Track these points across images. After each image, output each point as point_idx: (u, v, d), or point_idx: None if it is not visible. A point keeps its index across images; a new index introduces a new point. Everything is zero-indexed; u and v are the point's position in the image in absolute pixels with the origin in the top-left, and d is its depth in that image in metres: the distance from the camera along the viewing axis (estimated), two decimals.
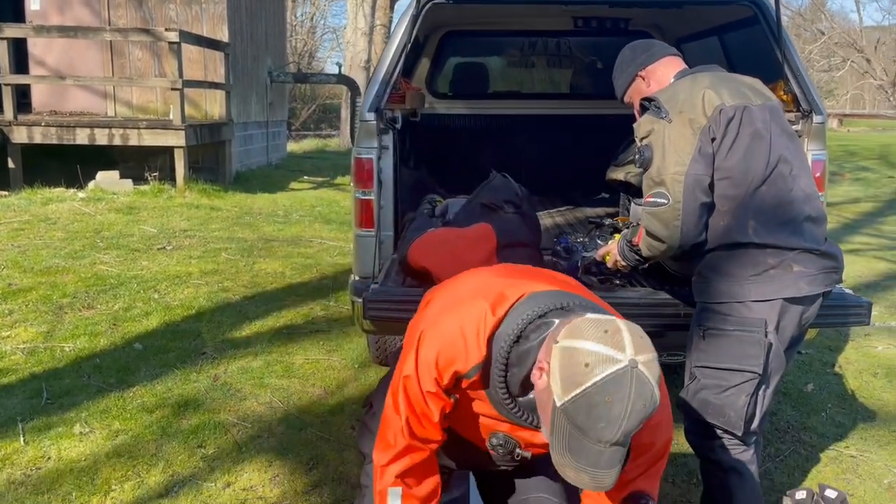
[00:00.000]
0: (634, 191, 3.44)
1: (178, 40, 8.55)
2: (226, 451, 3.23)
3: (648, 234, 2.23)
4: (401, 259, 2.47)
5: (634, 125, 2.34)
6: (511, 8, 3.99)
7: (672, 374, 4.06)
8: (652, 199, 2.18)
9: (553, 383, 1.40)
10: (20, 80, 9.30)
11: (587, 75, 5.15)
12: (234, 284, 5.62)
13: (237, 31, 10.99)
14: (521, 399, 1.59)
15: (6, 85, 8.60)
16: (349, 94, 20.41)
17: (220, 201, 8.86)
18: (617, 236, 2.58)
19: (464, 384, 1.58)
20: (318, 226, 8.07)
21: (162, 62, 10.36)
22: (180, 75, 8.67)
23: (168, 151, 9.19)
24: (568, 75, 5.11)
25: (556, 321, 1.52)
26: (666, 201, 2.12)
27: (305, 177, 11.82)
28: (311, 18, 31.76)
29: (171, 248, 6.55)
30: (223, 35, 10.37)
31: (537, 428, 1.59)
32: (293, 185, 11.17)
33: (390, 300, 2.53)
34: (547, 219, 4.28)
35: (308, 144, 19.63)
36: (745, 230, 2.11)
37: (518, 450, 1.71)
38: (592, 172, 4.82)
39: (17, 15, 10.57)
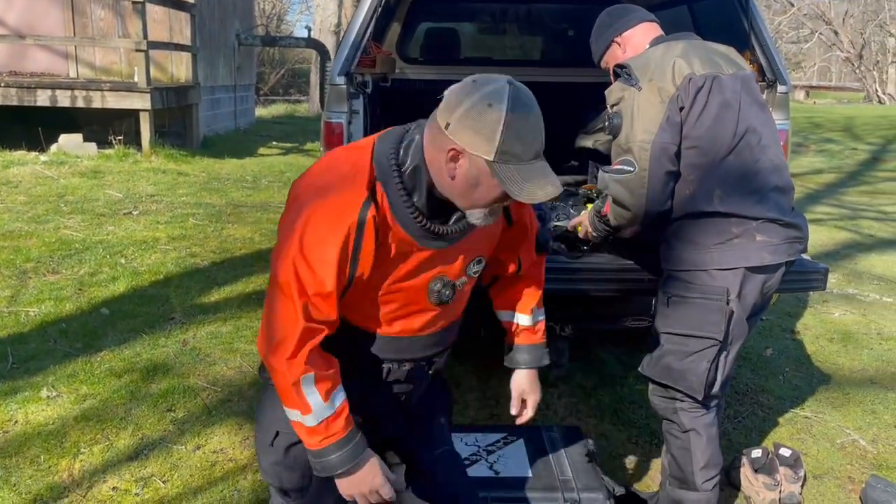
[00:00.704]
0: (603, 158, 3.48)
1: (142, 0, 8.32)
2: (195, 414, 3.24)
3: (615, 201, 2.26)
4: None
5: (606, 91, 2.36)
6: None
7: (637, 339, 4.16)
8: (619, 167, 2.20)
9: (477, 147, 1.44)
10: None
11: (558, 42, 5.15)
12: (202, 250, 5.58)
13: None
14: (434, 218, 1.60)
15: None
16: (318, 58, 20.23)
17: (188, 166, 8.74)
18: (589, 206, 2.61)
19: (366, 236, 1.53)
20: (286, 191, 7.99)
21: (126, 22, 10.08)
22: (145, 36, 8.46)
23: (133, 115, 9.01)
24: (539, 42, 5.10)
25: (417, 127, 1.61)
26: (632, 168, 2.14)
27: (274, 142, 11.68)
28: None
29: (137, 213, 6.46)
30: None
31: (460, 233, 1.62)
32: (261, 150, 11.03)
33: None
34: None
35: (277, 109, 19.34)
36: (710, 199, 2.15)
37: (457, 283, 1.71)
38: (562, 140, 4.88)
39: None
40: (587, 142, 3.51)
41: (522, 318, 2.01)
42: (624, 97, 2.23)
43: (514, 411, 2.05)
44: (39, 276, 4.79)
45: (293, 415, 1.59)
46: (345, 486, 1.63)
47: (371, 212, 1.52)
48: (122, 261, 5.20)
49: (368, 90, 3.09)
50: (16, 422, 3.13)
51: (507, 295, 2.01)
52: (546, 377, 3.74)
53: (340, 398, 1.60)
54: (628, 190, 2.18)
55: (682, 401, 2.27)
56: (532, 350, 2.03)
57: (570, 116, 4.74)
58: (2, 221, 5.80)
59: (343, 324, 1.63)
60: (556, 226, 2.65)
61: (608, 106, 2.33)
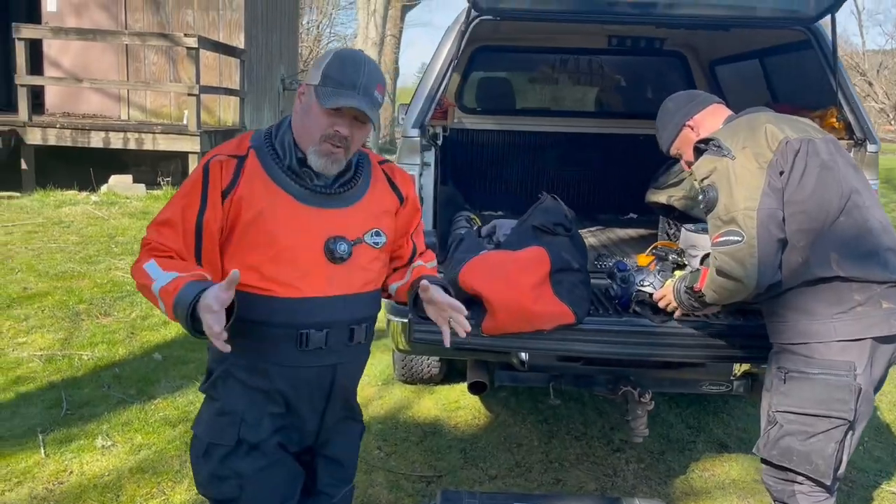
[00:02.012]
0: (677, 214, 3.38)
1: (196, 46, 8.51)
2: None
3: (722, 274, 2.12)
4: (450, 281, 2.40)
5: (693, 167, 2.28)
6: (550, 25, 3.95)
7: (704, 401, 4.00)
8: (723, 238, 2.09)
9: (312, 78, 1.73)
10: (37, 81, 9.26)
11: (616, 93, 5.11)
12: None
13: (252, 38, 10.96)
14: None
15: (21, 86, 8.55)
16: None
17: None
18: (677, 273, 2.49)
19: (212, 177, 1.70)
20: None
21: (177, 67, 10.31)
22: (197, 81, 8.62)
23: (180, 156, 9.13)
24: (597, 93, 5.06)
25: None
26: (740, 238, 2.04)
27: None
28: (318, 26, 31.82)
29: None
30: (239, 42, 10.34)
31: (341, 189, 1.79)
32: None
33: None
34: None
35: None
36: (827, 264, 2.03)
37: (354, 241, 1.79)
38: (621, 192, 4.81)
39: (32, 15, 10.54)
40: (660, 197, 3.41)
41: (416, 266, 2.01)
42: (716, 168, 2.15)
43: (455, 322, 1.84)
44: (92, 319, 4.78)
45: (146, 290, 1.69)
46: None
47: (223, 163, 1.72)
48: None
49: (440, 142, 3.05)
50: (71, 472, 3.06)
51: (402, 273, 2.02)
52: (612, 440, 3.60)
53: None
54: (737, 261, 2.06)
55: (802, 483, 2.11)
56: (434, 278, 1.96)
57: (628, 168, 4.70)
58: (55, 261, 5.84)
59: (252, 295, 1.69)
60: (639, 290, 2.53)
61: (697, 181, 2.24)
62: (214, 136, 9.18)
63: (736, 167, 2.10)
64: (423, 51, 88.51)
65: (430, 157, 3.06)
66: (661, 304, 2.44)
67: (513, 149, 4.79)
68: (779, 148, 2.10)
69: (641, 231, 4.27)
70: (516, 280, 2.34)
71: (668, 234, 3.52)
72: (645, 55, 4.67)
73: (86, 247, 6.38)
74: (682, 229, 2.77)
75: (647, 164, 4.69)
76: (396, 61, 22.30)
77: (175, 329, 4.70)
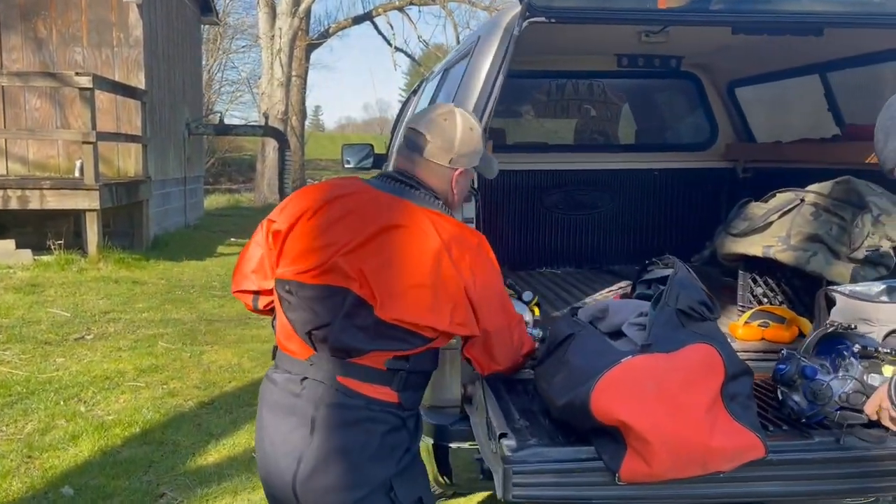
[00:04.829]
0: (781, 270, 2.66)
1: (90, 86, 7.32)
2: None
3: None
4: (575, 405, 1.55)
5: None
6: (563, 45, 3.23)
7: None
8: None
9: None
10: None
11: (627, 121, 4.44)
12: (182, 385, 4.46)
13: (154, 78, 9.78)
14: None
15: None
16: (264, 146, 19.34)
17: (143, 272, 7.56)
18: (886, 368, 1.70)
19: None
20: None
21: (65, 112, 9.02)
22: (93, 126, 7.41)
23: (73, 215, 7.83)
24: (606, 124, 4.35)
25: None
26: None
27: (232, 238, 10.57)
28: (209, 70, 30.31)
29: (91, 338, 5.27)
30: (139, 82, 9.15)
31: None
32: (221, 248, 9.91)
33: (551, 469, 1.58)
34: (605, 298, 3.41)
35: (217, 201, 18.17)
36: None
37: None
38: (638, 236, 4.08)
39: None
40: (744, 247, 2.68)
41: None
42: None
43: None
44: None
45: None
46: None
47: None
48: (82, 408, 4.03)
49: (477, 191, 2.21)
50: None
51: None
52: None
53: None
54: None
55: None
56: None
57: (641, 208, 4.01)
58: None
59: None
60: (842, 407, 1.68)
61: None
62: (116, 189, 7.94)
63: None
64: (323, 93, 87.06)
65: (471, 210, 2.22)
66: (883, 420, 1.65)
67: (538, 191, 3.98)
68: None
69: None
70: (683, 401, 1.51)
71: (752, 295, 2.78)
72: (660, 78, 4.00)
73: None
74: (839, 295, 2.01)
75: (666, 201, 4.06)
76: (303, 101, 21.30)
77: (87, 445, 3.58)
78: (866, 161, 2.78)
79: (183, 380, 4.54)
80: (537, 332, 2.06)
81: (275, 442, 1.70)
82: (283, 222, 1.72)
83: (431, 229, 1.65)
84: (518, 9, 2.16)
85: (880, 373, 1.71)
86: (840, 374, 1.71)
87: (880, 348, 1.72)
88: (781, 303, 2.73)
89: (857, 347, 1.74)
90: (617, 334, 1.90)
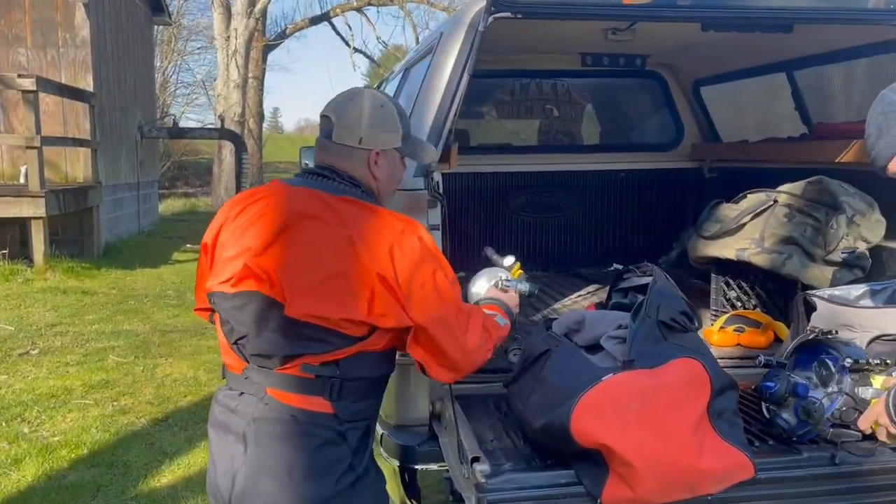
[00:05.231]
0: (754, 273, 2.59)
1: (34, 88, 7.00)
2: None
3: None
4: (553, 427, 1.44)
5: None
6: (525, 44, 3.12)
7: None
8: None
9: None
10: None
11: (591, 121, 4.36)
12: (134, 401, 4.24)
13: (103, 80, 9.44)
14: None
15: None
16: (221, 150, 18.93)
17: (93, 282, 7.26)
18: (875, 379, 1.61)
19: None
20: None
21: (9, 116, 8.66)
22: (38, 131, 7.09)
23: (19, 223, 7.49)
24: (570, 124, 4.26)
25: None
26: None
27: (188, 245, 10.27)
28: (163, 72, 29.66)
29: (37, 353, 5.01)
30: (87, 84, 8.82)
31: None
32: (176, 255, 9.62)
33: (528, 496, 1.47)
34: (575, 304, 3.33)
35: (174, 205, 17.74)
36: None
37: None
38: (604, 238, 4.00)
39: None
40: (717, 250, 2.60)
41: None
42: None
43: None
44: None
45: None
46: None
47: None
48: (25, 429, 3.80)
49: (441, 194, 2.09)
50: None
51: None
52: None
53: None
54: None
55: None
56: None
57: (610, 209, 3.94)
58: None
59: None
60: (832, 424, 1.60)
61: None
62: (63, 195, 7.62)
63: None
64: (281, 95, 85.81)
65: (437, 216, 2.10)
66: (879, 435, 1.56)
67: (503, 193, 3.88)
68: None
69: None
70: (669, 421, 1.41)
71: (725, 299, 2.72)
72: (625, 77, 3.94)
73: None
74: (820, 301, 1.94)
75: (632, 202, 3.99)
76: (261, 103, 20.92)
77: (31, 469, 3.37)
78: (836, 161, 2.74)
79: (135, 395, 4.33)
80: (525, 287, 1.92)
81: (215, 461, 1.59)
82: (208, 235, 1.67)
83: (341, 217, 1.54)
84: (483, 3, 2.04)
85: (870, 384, 1.63)
86: (830, 388, 1.62)
87: (870, 360, 1.64)
88: (755, 307, 2.66)
89: (848, 361, 1.64)
90: (595, 348, 1.78)
